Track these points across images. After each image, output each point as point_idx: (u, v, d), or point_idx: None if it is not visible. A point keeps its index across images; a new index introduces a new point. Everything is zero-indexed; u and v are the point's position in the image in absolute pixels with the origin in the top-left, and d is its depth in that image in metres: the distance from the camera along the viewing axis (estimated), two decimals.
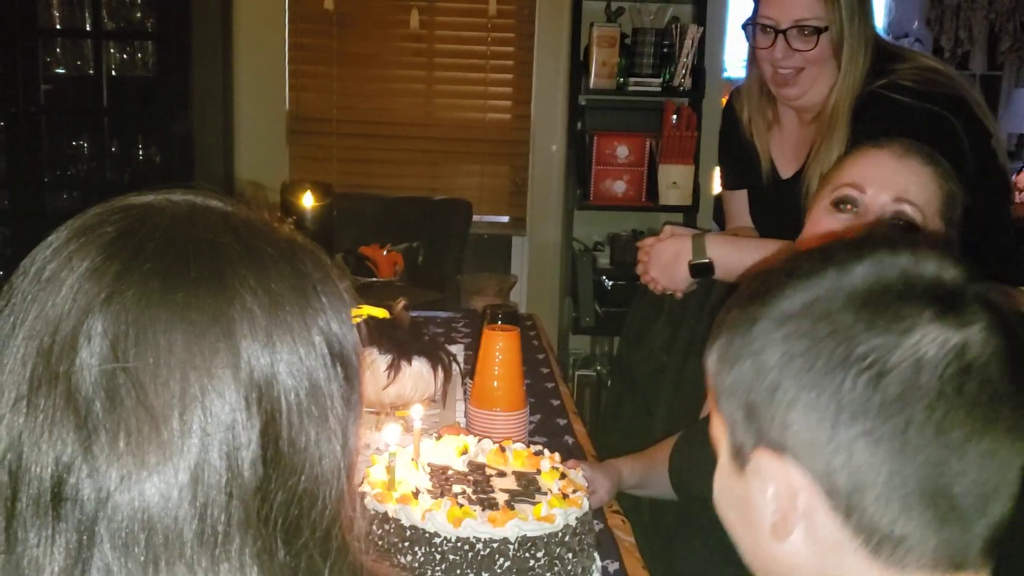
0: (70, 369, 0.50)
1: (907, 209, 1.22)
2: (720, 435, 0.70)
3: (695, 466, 1.42)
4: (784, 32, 1.57)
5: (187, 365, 0.51)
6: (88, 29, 3.27)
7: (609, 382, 3.28)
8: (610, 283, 3.52)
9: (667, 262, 1.69)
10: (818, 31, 1.56)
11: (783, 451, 0.62)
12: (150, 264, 0.53)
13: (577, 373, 3.56)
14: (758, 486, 0.64)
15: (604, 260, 3.65)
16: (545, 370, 2.16)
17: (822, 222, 1.29)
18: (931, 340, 0.57)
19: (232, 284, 0.54)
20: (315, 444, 0.55)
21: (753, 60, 1.73)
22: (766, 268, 0.67)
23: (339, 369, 0.57)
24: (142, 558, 0.50)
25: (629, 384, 2.28)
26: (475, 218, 3.53)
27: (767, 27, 1.60)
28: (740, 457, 0.66)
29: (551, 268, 3.78)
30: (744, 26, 1.67)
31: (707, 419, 1.49)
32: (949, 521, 0.59)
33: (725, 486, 0.70)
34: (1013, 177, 3.83)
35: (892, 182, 1.25)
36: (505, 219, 3.87)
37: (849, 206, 1.27)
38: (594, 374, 3.56)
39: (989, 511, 0.60)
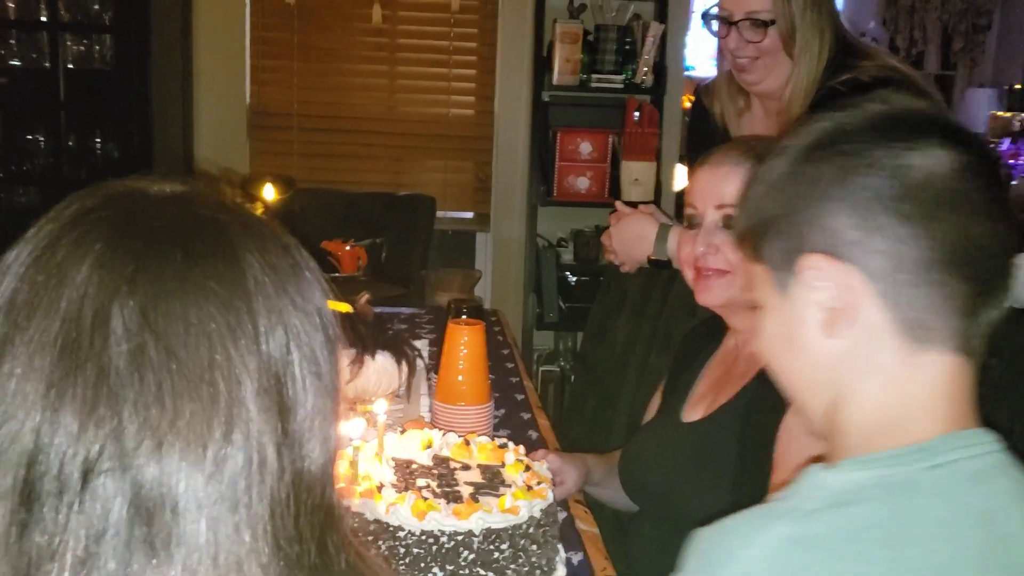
0: (103, 347, 0.50)
1: (731, 212, 1.30)
2: (762, 284, 0.78)
3: (645, 459, 1.48)
4: (737, 24, 1.62)
5: (214, 335, 0.52)
6: (44, 20, 3.21)
7: (572, 377, 3.29)
8: (574, 279, 3.54)
9: (629, 241, 1.71)
10: (766, 24, 1.59)
11: (828, 253, 0.71)
12: (166, 242, 0.54)
13: (541, 369, 3.57)
14: (804, 296, 0.73)
15: (568, 256, 3.66)
16: (510, 365, 2.17)
17: (684, 239, 1.39)
18: (943, 151, 0.68)
19: (244, 258, 0.55)
20: (321, 418, 0.57)
21: (721, 50, 1.77)
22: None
23: (331, 341, 0.59)
24: (166, 534, 0.50)
25: (592, 378, 2.30)
26: (439, 214, 3.52)
27: (723, 18, 1.65)
28: (785, 281, 0.74)
29: (515, 264, 3.78)
30: (703, 16, 1.72)
31: (653, 421, 1.57)
32: (963, 300, 0.69)
33: (771, 323, 0.78)
34: None
35: (712, 193, 1.34)
36: (469, 215, 3.86)
37: (692, 223, 1.37)
38: (558, 369, 3.58)
39: (993, 300, 0.71)
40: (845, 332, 0.72)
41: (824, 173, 0.71)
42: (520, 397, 1.94)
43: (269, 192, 2.15)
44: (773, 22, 1.59)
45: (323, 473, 0.58)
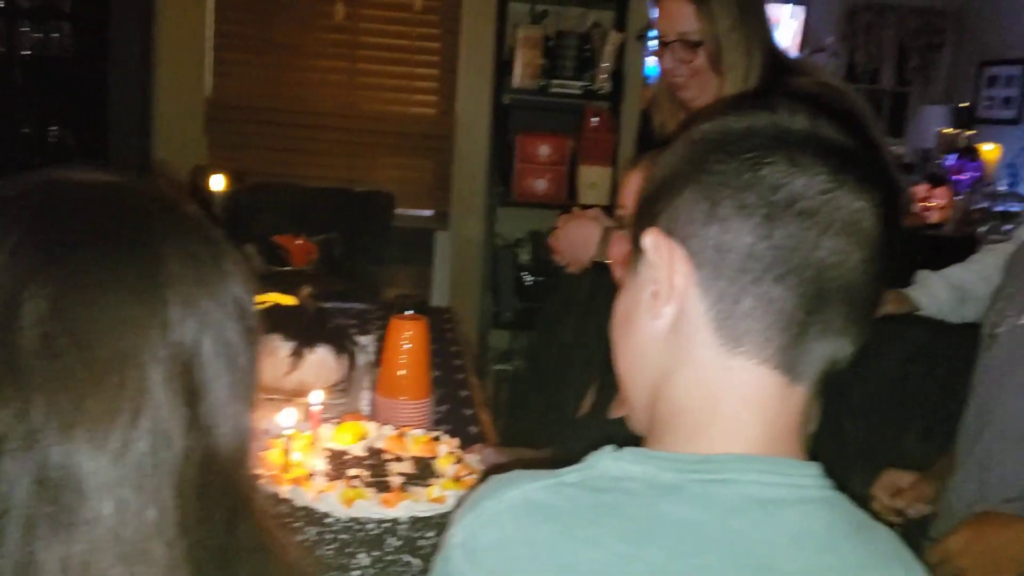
0: (13, 334, 0.52)
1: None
2: (628, 263, 0.77)
3: (571, 454, 1.50)
4: (670, 44, 1.67)
5: (124, 324, 0.54)
6: (1, 7, 3.18)
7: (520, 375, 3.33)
8: (530, 279, 3.58)
9: (574, 243, 1.75)
10: (695, 45, 1.64)
11: (671, 234, 0.69)
12: (83, 231, 0.56)
13: (495, 367, 3.61)
14: (644, 273, 0.71)
15: (525, 256, 3.70)
16: (458, 362, 2.20)
17: (615, 239, 1.48)
18: (815, 160, 0.67)
19: (161, 250, 0.57)
20: (234, 405, 0.59)
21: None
22: None
23: (248, 332, 0.61)
24: (70, 512, 0.52)
25: (538, 376, 2.34)
26: (398, 211, 3.54)
27: (658, 39, 1.70)
28: (636, 261, 0.73)
29: (473, 263, 3.81)
30: (638, 37, 1.77)
31: (583, 417, 1.60)
32: (787, 314, 0.66)
33: (621, 301, 0.77)
34: (911, 189, 4.03)
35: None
36: (428, 213, 3.89)
37: (623, 223, 1.45)
38: (511, 368, 3.61)
39: (832, 330, 0.67)
40: (668, 315, 0.69)
41: (691, 157, 0.70)
42: (464, 394, 1.97)
43: (218, 183, 2.16)
44: (701, 43, 1.64)
45: (235, 457, 0.59)
